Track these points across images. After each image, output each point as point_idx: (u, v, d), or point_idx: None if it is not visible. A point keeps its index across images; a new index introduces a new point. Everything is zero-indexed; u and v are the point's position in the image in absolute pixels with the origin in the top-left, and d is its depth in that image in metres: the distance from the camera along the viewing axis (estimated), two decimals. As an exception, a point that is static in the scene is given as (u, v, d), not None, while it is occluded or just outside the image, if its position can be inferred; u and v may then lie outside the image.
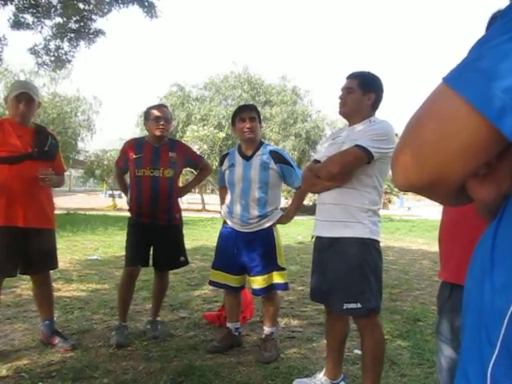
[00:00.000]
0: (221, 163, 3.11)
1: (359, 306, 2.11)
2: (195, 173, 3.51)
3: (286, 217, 2.97)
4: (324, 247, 2.25)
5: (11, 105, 2.76)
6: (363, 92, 2.21)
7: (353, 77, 2.25)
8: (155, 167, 3.06)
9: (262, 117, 3.10)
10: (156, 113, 3.11)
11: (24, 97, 2.74)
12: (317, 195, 2.39)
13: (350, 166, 2.11)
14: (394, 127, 2.20)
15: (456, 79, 0.52)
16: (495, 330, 0.50)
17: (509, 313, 0.49)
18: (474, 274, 0.58)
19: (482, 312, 0.53)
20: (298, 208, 3.06)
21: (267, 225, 2.87)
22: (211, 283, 3.07)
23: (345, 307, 2.14)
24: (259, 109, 3.13)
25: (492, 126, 0.48)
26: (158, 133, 3.08)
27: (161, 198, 3.06)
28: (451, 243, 1.41)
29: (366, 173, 2.15)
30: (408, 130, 0.57)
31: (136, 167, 3.08)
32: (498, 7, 1.10)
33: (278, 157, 2.88)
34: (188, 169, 3.62)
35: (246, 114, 2.89)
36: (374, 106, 2.26)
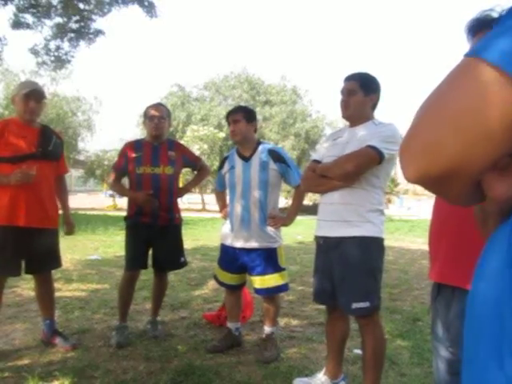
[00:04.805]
0: (221, 167, 3.09)
1: (368, 304, 2.12)
2: (195, 173, 3.51)
3: (288, 218, 2.94)
4: (331, 247, 2.22)
5: (20, 102, 2.74)
6: (365, 93, 2.20)
7: (352, 78, 2.23)
8: (155, 165, 3.06)
9: (261, 116, 3.10)
10: (151, 112, 3.13)
11: (34, 95, 2.76)
12: (317, 195, 2.37)
13: (365, 166, 2.11)
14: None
15: (484, 49, 0.46)
16: None
17: None
18: (485, 276, 0.52)
19: (503, 319, 0.46)
20: (299, 208, 3.05)
21: (268, 235, 2.84)
22: (214, 277, 3.15)
23: (353, 307, 2.13)
24: (259, 109, 3.14)
25: None
26: (153, 132, 3.10)
27: (162, 196, 3.05)
28: (437, 243, 1.41)
29: (375, 173, 2.16)
30: (424, 109, 0.49)
31: (136, 165, 3.07)
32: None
33: (276, 156, 2.86)
34: (189, 169, 3.63)
35: (230, 117, 2.90)
36: (374, 106, 2.27)
